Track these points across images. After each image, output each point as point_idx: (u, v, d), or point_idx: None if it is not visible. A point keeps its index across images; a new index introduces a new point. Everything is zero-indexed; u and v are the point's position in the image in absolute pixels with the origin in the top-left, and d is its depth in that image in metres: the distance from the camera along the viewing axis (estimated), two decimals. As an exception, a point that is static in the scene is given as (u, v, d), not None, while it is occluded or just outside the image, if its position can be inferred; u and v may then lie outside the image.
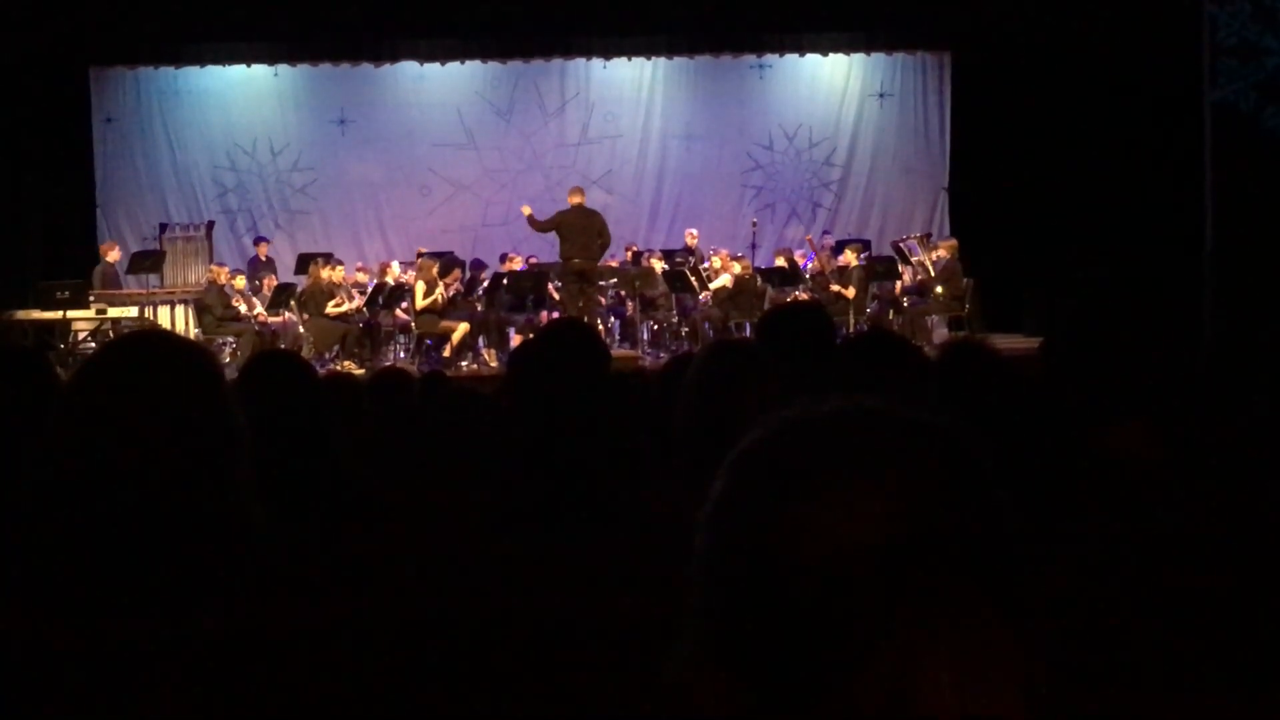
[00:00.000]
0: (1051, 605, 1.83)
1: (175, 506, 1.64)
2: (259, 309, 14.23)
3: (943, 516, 0.85)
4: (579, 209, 13.89)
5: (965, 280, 14.38)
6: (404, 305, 14.21)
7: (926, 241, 15.28)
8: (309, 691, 1.59)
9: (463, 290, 14.44)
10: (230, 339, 13.72)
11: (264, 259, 15.83)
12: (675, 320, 14.88)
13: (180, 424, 1.67)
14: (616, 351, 13.10)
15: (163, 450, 1.65)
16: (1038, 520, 2.20)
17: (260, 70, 16.96)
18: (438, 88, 17.29)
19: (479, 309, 14.38)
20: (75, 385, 1.79)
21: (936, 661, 0.83)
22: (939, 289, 14.31)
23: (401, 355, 14.29)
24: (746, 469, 0.92)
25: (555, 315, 13.58)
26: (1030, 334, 14.85)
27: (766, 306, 13.67)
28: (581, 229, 13.75)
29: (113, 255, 14.60)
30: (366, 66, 17.07)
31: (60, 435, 1.71)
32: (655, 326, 15.05)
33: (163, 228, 16.26)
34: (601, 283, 14.75)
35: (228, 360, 13.04)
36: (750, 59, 17.41)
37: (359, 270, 15.53)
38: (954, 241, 14.86)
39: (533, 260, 15.50)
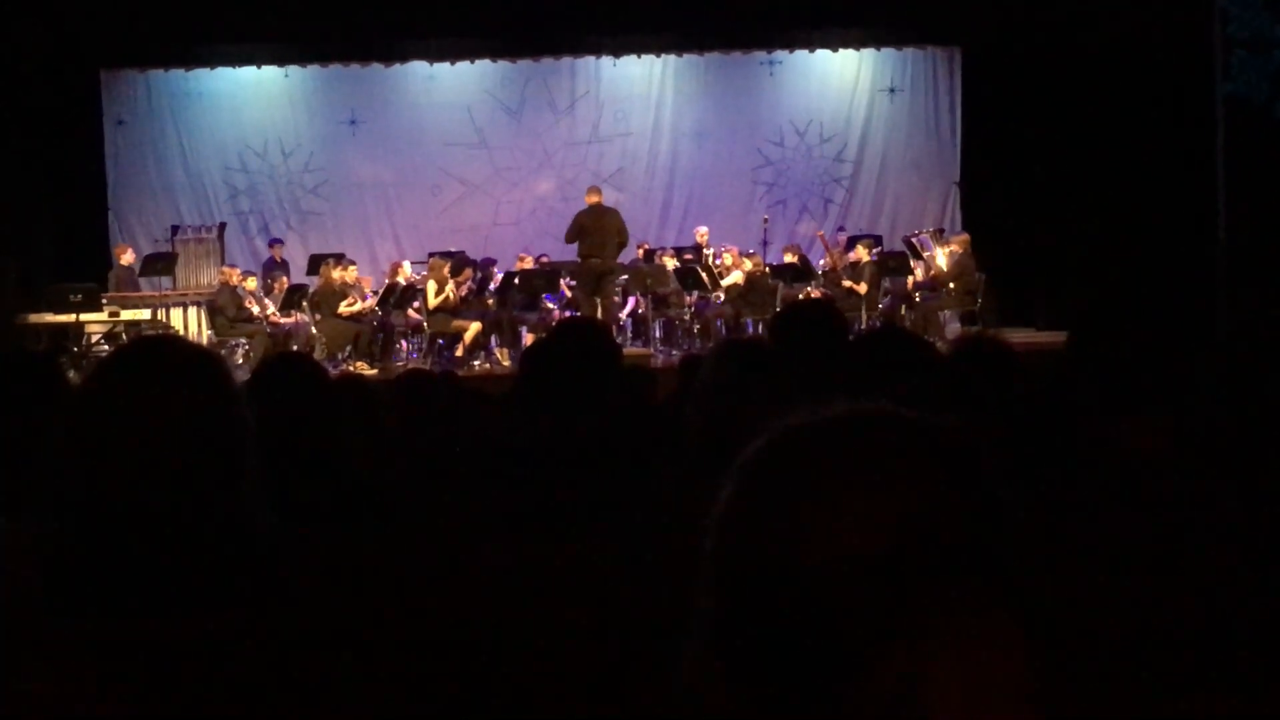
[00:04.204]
0: (1060, 603, 1.83)
1: (184, 510, 1.64)
2: (271, 310, 14.26)
3: (947, 520, 0.85)
4: (596, 208, 13.90)
5: (978, 275, 14.35)
6: (416, 305, 14.22)
7: (940, 236, 15.25)
8: (318, 695, 1.59)
9: (474, 289, 14.45)
10: (243, 340, 13.76)
11: (279, 260, 15.86)
12: (687, 318, 14.85)
13: (190, 428, 1.68)
14: (628, 350, 13.09)
15: (172, 454, 1.65)
16: (1047, 518, 2.19)
17: (271, 71, 16.97)
18: (448, 87, 17.30)
19: (491, 308, 14.39)
20: (86, 390, 1.79)
21: (942, 664, 0.82)
22: (951, 284, 14.28)
23: (414, 355, 14.30)
24: (753, 474, 0.92)
25: (568, 314, 13.59)
26: (1043, 328, 14.81)
27: (778, 303, 13.67)
28: (597, 229, 13.76)
29: (126, 258, 14.71)
30: (377, 67, 17.09)
31: (70, 439, 1.72)
32: (667, 324, 15.03)
33: (174, 230, 16.31)
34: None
35: (240, 362, 13.08)
36: (760, 55, 17.40)
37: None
38: (966, 236, 14.83)
39: (544, 259, 15.51)
